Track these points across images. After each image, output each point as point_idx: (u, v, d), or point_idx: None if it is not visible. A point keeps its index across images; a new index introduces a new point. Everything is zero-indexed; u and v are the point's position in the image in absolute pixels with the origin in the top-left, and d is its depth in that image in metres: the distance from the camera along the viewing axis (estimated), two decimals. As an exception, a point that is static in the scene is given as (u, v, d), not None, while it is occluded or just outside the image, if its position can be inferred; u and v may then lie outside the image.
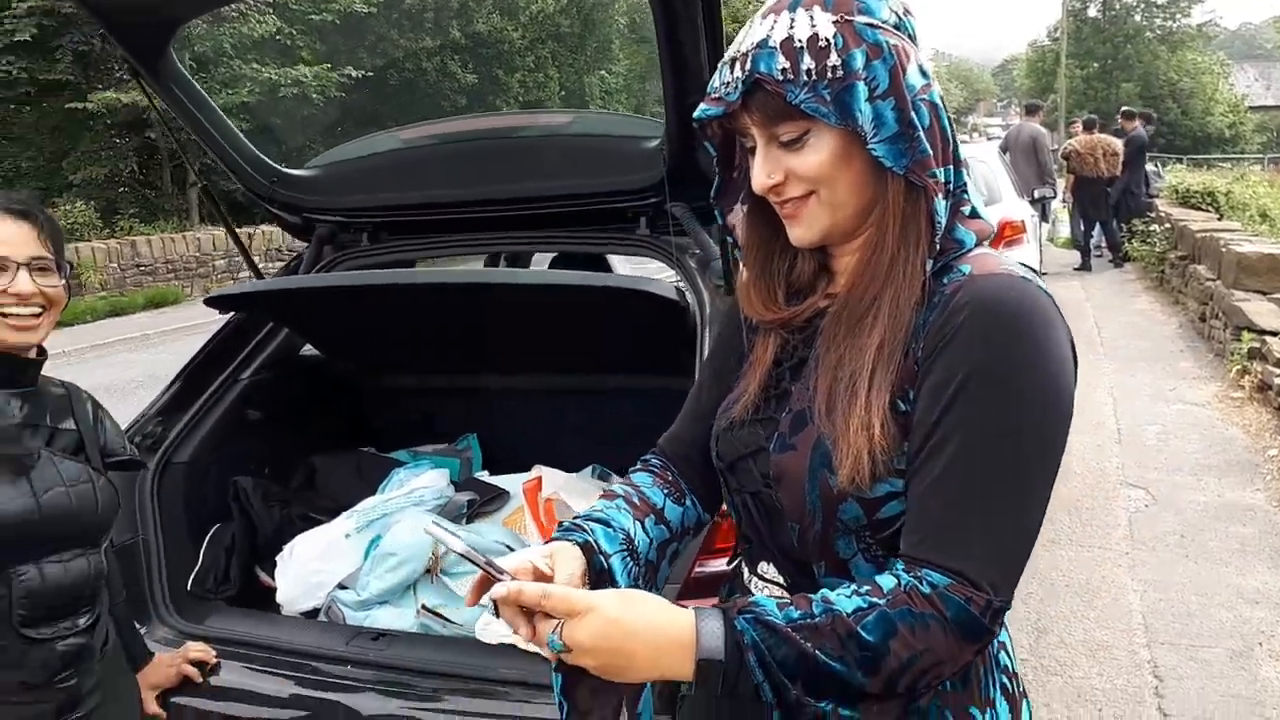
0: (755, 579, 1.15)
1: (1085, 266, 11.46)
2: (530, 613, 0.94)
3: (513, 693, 1.94)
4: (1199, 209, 10.57)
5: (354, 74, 17.38)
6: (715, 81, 1.03)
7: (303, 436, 2.81)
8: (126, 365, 9.07)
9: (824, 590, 0.95)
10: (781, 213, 1.06)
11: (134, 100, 14.78)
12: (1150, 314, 9.16)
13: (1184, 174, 13.74)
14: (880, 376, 0.98)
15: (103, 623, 1.69)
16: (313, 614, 2.32)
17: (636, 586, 1.09)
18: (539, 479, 2.30)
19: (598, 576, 1.06)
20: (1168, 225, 10.15)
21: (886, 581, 0.93)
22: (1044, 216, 10.67)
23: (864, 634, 0.90)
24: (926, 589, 0.91)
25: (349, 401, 3.04)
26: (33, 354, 1.63)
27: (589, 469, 2.62)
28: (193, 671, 1.98)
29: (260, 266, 2.72)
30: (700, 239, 2.32)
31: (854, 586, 0.94)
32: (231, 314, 2.65)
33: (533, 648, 2.07)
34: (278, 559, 2.43)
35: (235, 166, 2.59)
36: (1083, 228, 11.70)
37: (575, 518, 1.12)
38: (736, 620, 0.91)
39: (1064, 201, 12.50)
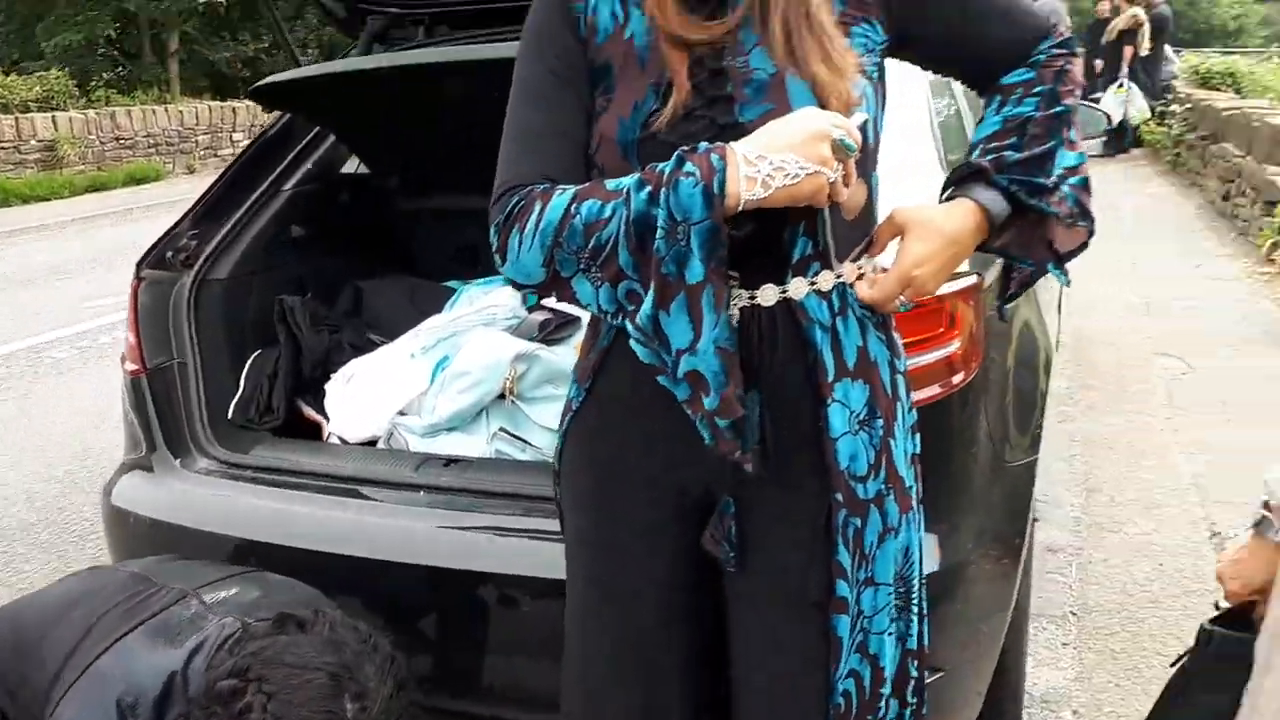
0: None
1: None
2: None
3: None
4: (1218, 89, 10.24)
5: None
6: None
7: (344, 260, 2.59)
8: (112, 238, 8.65)
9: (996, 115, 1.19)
10: None
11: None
12: (1165, 197, 8.93)
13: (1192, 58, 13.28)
14: (825, 13, 1.09)
15: None
16: (370, 444, 2.16)
17: None
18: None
19: None
20: (1189, 106, 9.85)
21: (1025, 74, 1.18)
22: None
23: (1060, 106, 1.17)
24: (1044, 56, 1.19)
25: (391, 224, 2.79)
26: None
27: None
28: None
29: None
30: None
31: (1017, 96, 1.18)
32: (274, 120, 2.40)
33: None
34: (327, 387, 2.25)
35: None
36: None
37: None
38: (996, 179, 1.14)
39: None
